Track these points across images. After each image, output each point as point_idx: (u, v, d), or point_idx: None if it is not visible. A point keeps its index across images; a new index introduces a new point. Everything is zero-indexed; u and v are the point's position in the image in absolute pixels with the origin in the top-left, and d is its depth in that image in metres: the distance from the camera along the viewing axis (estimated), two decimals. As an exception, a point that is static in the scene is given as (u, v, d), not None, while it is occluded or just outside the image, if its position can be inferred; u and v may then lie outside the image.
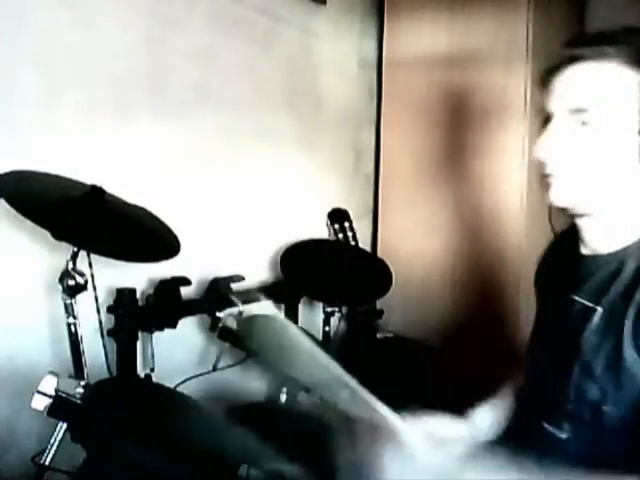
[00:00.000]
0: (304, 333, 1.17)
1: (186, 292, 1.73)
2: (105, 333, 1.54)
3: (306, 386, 1.52)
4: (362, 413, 1.02)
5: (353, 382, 1.03)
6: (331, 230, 2.25)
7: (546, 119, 1.01)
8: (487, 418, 1.20)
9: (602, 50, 0.95)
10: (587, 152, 0.96)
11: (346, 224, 2.24)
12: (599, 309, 0.97)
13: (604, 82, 0.95)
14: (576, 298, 1.03)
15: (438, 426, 1.11)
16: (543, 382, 1.07)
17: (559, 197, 1.00)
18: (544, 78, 1.01)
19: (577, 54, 0.96)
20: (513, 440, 1.14)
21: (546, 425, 1.04)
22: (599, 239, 1.02)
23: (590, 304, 0.99)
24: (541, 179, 1.02)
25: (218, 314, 1.77)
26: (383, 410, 1.03)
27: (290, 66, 2.22)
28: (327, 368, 1.04)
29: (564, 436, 1.00)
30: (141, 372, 1.64)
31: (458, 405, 1.21)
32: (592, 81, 0.95)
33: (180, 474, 1.13)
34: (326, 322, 2.03)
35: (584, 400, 0.96)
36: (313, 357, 1.06)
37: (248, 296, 1.83)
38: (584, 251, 1.05)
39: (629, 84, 0.94)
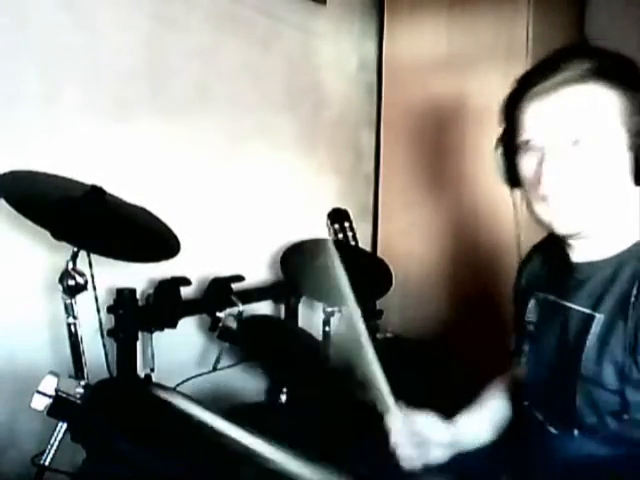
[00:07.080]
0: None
1: (186, 292, 1.73)
2: (105, 333, 1.54)
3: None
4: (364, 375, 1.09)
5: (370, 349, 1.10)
6: (331, 230, 2.24)
7: (523, 142, 1.00)
8: (473, 425, 1.18)
9: (580, 74, 0.94)
10: (585, 174, 0.95)
11: (346, 224, 2.23)
12: (598, 316, 0.96)
13: (590, 106, 0.94)
14: (571, 305, 1.02)
15: (423, 426, 1.10)
16: (545, 388, 1.06)
17: (566, 225, 0.99)
18: (516, 105, 1.00)
19: (559, 81, 0.94)
20: (515, 438, 1.14)
21: (552, 429, 1.03)
22: (592, 248, 1.01)
23: (588, 311, 0.98)
24: (533, 205, 1.01)
25: (218, 314, 1.77)
26: (383, 386, 1.10)
27: (290, 66, 2.22)
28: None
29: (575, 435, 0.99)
30: (141, 372, 1.64)
31: (457, 405, 1.21)
32: (580, 108, 0.94)
33: (180, 474, 1.13)
34: (326, 322, 2.03)
35: (603, 410, 0.95)
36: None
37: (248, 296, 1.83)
38: (574, 258, 1.03)
39: (611, 103, 0.94)
